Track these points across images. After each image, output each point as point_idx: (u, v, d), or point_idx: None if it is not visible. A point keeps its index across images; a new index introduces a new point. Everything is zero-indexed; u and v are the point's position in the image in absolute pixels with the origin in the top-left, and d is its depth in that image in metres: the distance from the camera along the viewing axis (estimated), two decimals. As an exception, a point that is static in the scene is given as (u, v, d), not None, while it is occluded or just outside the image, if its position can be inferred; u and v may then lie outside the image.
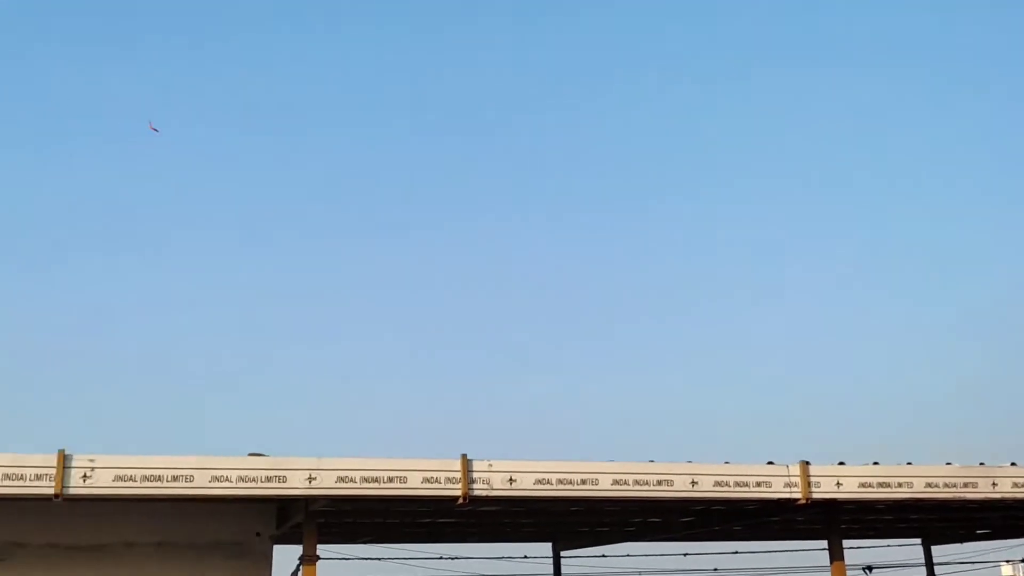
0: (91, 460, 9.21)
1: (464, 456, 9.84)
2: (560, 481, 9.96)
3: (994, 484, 11.00)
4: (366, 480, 9.49)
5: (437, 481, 9.71)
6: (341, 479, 9.44)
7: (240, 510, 11.52)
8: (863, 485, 10.80)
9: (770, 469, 10.56)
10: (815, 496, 10.56)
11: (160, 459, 9.31)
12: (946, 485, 10.92)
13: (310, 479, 9.41)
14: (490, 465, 9.89)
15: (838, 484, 10.72)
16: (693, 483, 10.20)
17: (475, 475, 9.80)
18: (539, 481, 9.93)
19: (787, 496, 10.50)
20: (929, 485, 10.88)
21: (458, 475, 9.75)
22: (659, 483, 10.16)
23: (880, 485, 10.86)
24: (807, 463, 10.64)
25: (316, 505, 10.15)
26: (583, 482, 10.02)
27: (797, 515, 11.94)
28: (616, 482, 10.08)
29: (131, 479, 9.22)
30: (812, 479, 10.58)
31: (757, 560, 16.25)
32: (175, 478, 9.27)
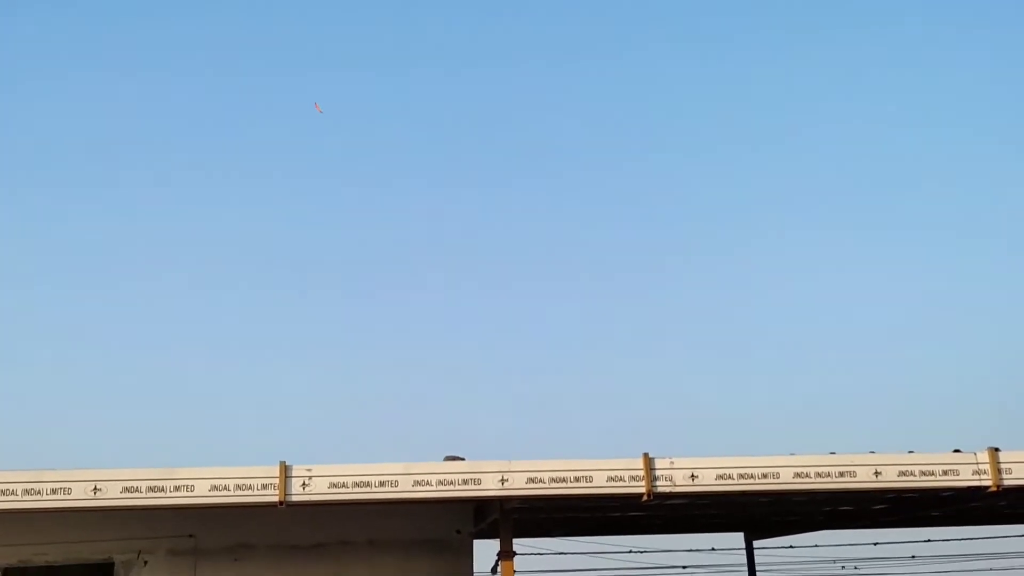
0: (308, 470, 10.22)
1: (646, 455, 10.27)
2: (741, 476, 10.25)
3: None
4: (554, 480, 10.09)
5: (621, 479, 10.20)
6: (531, 480, 10.08)
7: (441, 510, 12.41)
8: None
9: (956, 457, 10.48)
10: (1007, 483, 10.40)
11: (368, 467, 10.22)
12: None
13: (502, 481, 10.09)
14: (672, 462, 10.29)
15: None
16: (876, 474, 10.27)
17: (657, 472, 10.23)
18: (720, 477, 10.26)
19: (976, 484, 10.39)
20: None
21: (641, 473, 10.20)
22: (841, 475, 10.29)
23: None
24: (996, 449, 10.49)
25: (510, 504, 10.84)
26: (764, 476, 10.26)
27: (998, 500, 11.74)
28: (798, 475, 10.28)
29: (344, 486, 10.17)
30: (1002, 465, 10.42)
31: (955, 547, 15.90)
32: (382, 484, 10.16)
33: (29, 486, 9.90)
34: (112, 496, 10.00)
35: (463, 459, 10.62)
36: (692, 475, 10.25)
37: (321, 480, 10.19)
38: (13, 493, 9.88)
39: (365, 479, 10.16)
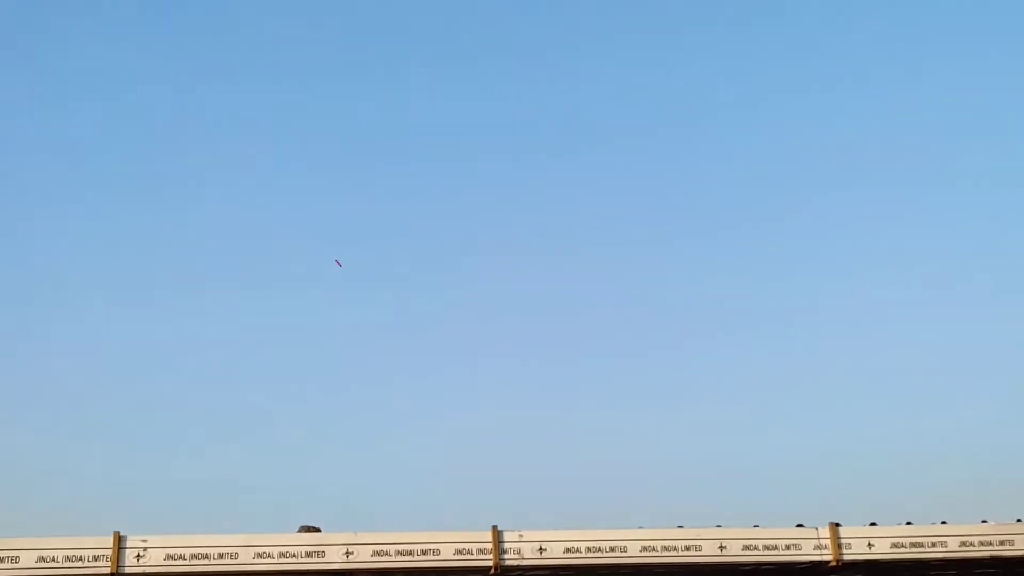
0: (144, 540, 9.86)
1: (495, 528, 10.20)
2: (589, 549, 10.25)
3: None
4: (400, 553, 9.93)
5: (469, 553, 10.09)
6: (377, 552, 9.90)
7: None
8: (895, 546, 10.81)
9: (799, 532, 10.69)
10: (847, 558, 10.63)
11: (207, 538, 9.92)
12: (982, 544, 10.90)
13: (347, 553, 9.86)
14: (520, 536, 10.22)
15: (869, 545, 10.75)
16: (721, 548, 10.39)
17: (506, 546, 10.15)
18: (568, 550, 10.22)
19: (817, 558, 10.60)
20: (964, 544, 10.85)
21: (489, 546, 10.11)
22: (687, 548, 10.38)
23: (913, 545, 10.86)
24: (837, 525, 10.73)
25: (364, 576, 10.46)
26: (612, 550, 10.29)
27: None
28: (644, 549, 10.33)
29: (181, 557, 9.83)
30: (843, 541, 10.66)
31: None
32: (221, 556, 9.83)
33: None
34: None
35: (319, 529, 10.35)
36: (540, 548, 10.20)
37: (157, 552, 9.84)
38: None
39: (203, 551, 9.83)
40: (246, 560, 9.79)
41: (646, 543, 10.33)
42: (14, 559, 9.65)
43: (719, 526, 10.65)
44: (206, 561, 9.79)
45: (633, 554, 10.27)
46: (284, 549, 9.84)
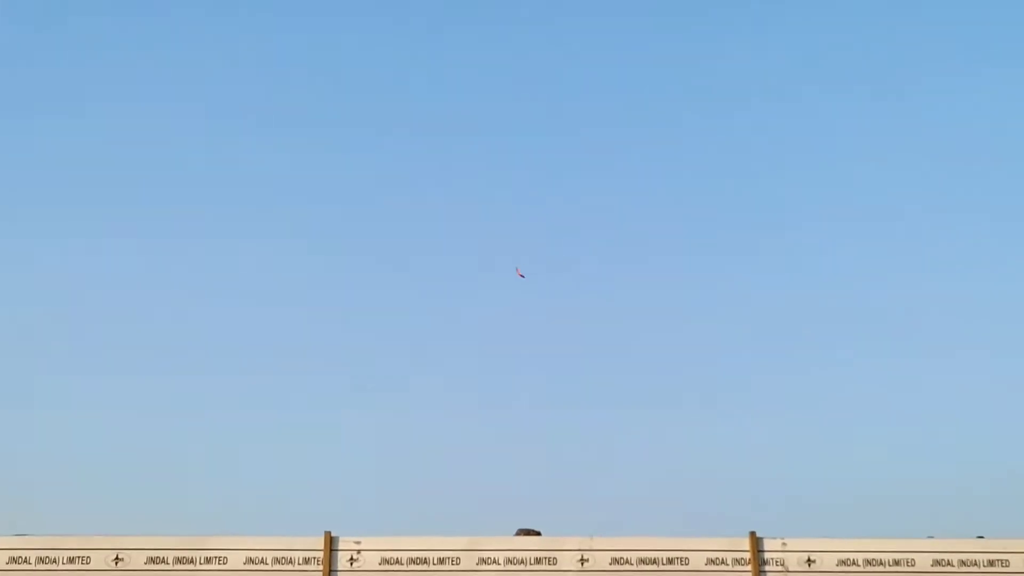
0: (357, 543, 8.98)
1: (753, 534, 9.33)
2: (868, 562, 9.33)
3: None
4: (643, 561, 9.20)
5: (723, 563, 9.25)
6: (616, 560, 9.17)
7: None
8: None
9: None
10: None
11: (427, 540, 9.08)
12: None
13: (582, 561, 9.21)
14: (784, 544, 9.32)
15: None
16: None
17: (767, 555, 9.29)
18: (843, 562, 9.29)
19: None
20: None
21: (747, 556, 9.25)
22: (991, 563, 9.44)
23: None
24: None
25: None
26: (896, 563, 9.37)
27: None
28: (937, 563, 9.42)
29: (397, 562, 8.96)
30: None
31: None
32: (441, 561, 9.02)
33: (44, 553, 8.80)
34: (135, 567, 8.81)
35: (539, 533, 9.54)
36: (808, 559, 9.36)
37: (372, 555, 8.97)
38: (26, 561, 8.79)
39: (422, 555, 9.01)
40: (469, 566, 9.06)
41: (939, 556, 9.46)
42: (222, 560, 8.62)
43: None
44: (425, 567, 8.95)
45: (923, 569, 9.38)
46: (511, 554, 9.07)
